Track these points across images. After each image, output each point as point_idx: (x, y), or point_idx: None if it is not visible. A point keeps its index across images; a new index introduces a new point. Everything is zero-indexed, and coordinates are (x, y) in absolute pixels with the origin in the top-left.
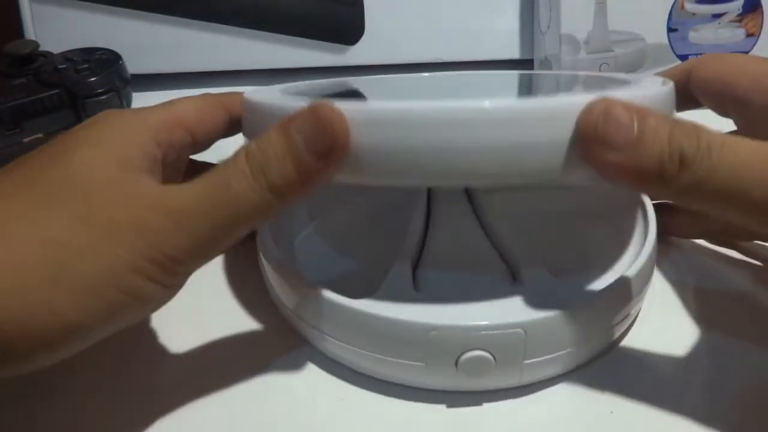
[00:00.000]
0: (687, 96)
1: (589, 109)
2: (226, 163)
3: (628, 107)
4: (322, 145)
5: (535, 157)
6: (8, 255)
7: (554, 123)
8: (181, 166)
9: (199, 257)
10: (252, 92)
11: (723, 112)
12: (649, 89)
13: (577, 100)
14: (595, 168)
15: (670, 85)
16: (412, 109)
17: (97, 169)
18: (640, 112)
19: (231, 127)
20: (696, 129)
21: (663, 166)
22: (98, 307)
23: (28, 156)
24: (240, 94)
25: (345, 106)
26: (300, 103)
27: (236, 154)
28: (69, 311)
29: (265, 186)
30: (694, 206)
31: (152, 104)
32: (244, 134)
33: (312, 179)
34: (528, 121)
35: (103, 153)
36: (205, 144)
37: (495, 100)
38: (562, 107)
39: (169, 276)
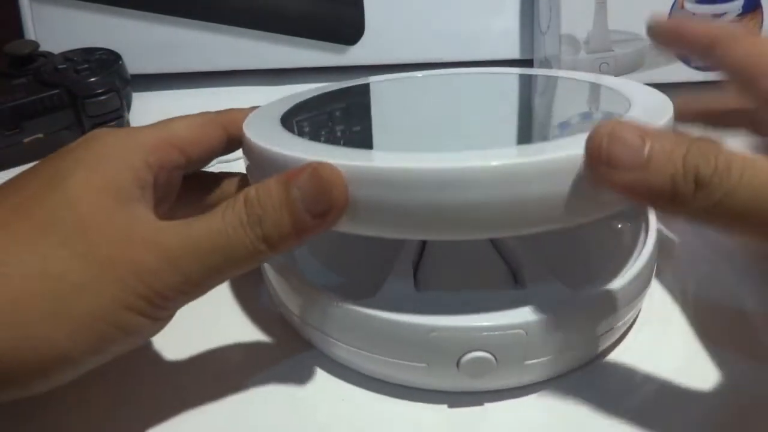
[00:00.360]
0: (702, 56)
1: (595, 133)
2: (225, 206)
3: (636, 128)
4: (321, 207)
5: (535, 210)
6: (8, 288)
7: (554, 177)
8: (174, 183)
9: (190, 295)
10: (252, 120)
11: (744, 94)
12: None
13: (577, 153)
14: (608, 188)
15: (669, 113)
16: (411, 169)
17: (93, 200)
18: (649, 133)
19: (229, 146)
20: (714, 148)
21: (677, 187)
22: (92, 341)
23: (23, 177)
24: (239, 111)
25: (345, 164)
26: (300, 154)
27: (236, 199)
28: (65, 344)
29: (260, 236)
30: (711, 226)
31: (152, 104)
32: (246, 168)
33: (306, 234)
34: (525, 179)
35: (98, 179)
36: (201, 163)
37: (493, 157)
38: (560, 162)
39: (158, 311)
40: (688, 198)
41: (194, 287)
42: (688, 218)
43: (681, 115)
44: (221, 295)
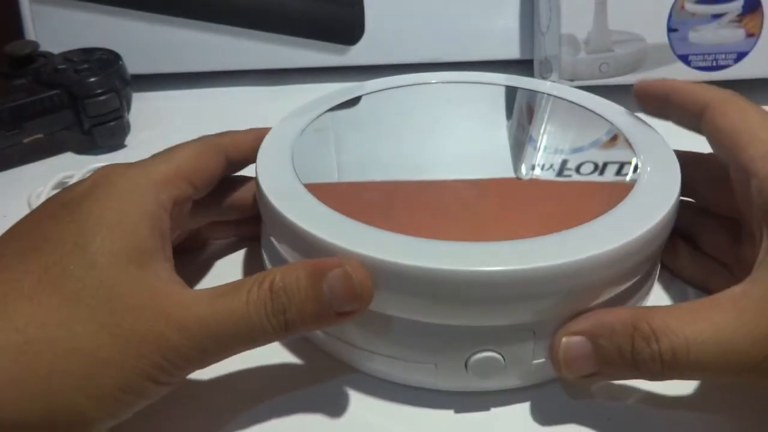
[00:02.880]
0: (692, 123)
1: (551, 348)
2: (249, 288)
3: (584, 340)
4: (348, 307)
5: (542, 306)
6: (41, 364)
7: (556, 281)
8: (185, 213)
9: (203, 366)
10: (265, 169)
11: (724, 161)
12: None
13: (572, 261)
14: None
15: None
16: (435, 270)
17: (117, 267)
18: (597, 341)
19: (229, 169)
20: (657, 332)
21: (635, 375)
22: (114, 408)
23: (41, 227)
24: (237, 133)
25: (375, 261)
26: (325, 237)
27: (261, 282)
28: (92, 413)
29: (282, 324)
30: None
31: (152, 104)
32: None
33: (327, 326)
34: (532, 281)
35: (119, 242)
36: (205, 189)
37: (498, 264)
38: (564, 269)
39: (173, 379)
40: (650, 378)
41: (209, 361)
42: None
43: (643, 100)
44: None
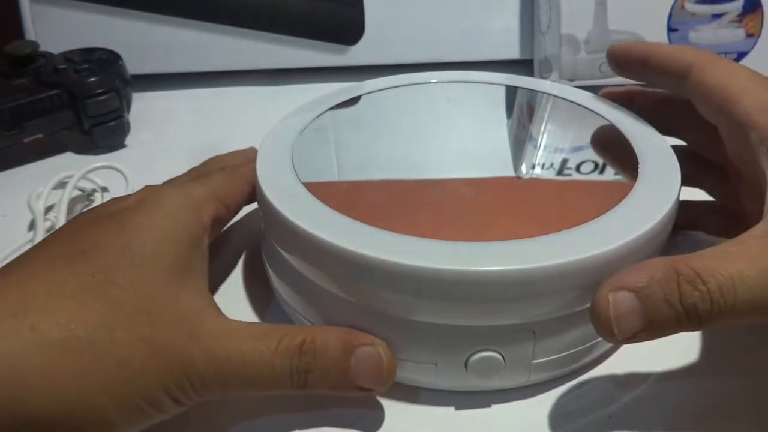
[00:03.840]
0: (673, 85)
1: (597, 306)
2: (281, 337)
3: (631, 289)
4: (369, 385)
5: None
6: (78, 363)
7: (567, 279)
8: (216, 234)
9: (219, 397)
10: (263, 162)
11: (713, 119)
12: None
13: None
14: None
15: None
16: (434, 270)
17: (161, 282)
18: (640, 291)
19: (252, 196)
20: (701, 272)
21: (681, 325)
22: (136, 416)
23: (92, 234)
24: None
25: (374, 261)
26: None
27: (293, 335)
28: (113, 418)
29: (303, 383)
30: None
31: (152, 104)
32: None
33: (343, 396)
34: (543, 280)
35: (165, 259)
36: (235, 212)
37: (498, 264)
38: (576, 266)
39: (188, 401)
40: (694, 327)
41: (225, 394)
42: None
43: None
44: (225, 294)
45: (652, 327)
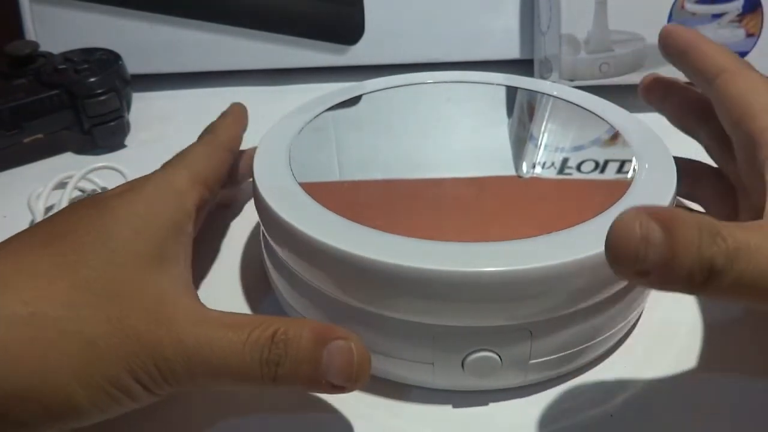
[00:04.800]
0: (701, 84)
1: (623, 226)
2: (252, 328)
3: (661, 222)
4: (340, 382)
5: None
6: (43, 341)
7: (563, 279)
8: (202, 216)
9: (187, 387)
10: (260, 162)
11: (728, 129)
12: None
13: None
14: (623, 279)
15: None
16: (432, 271)
17: (134, 266)
18: (670, 225)
19: (233, 172)
20: (721, 230)
21: (692, 278)
22: (103, 400)
23: (66, 221)
24: (226, 125)
25: (370, 262)
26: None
27: (265, 327)
28: (79, 398)
29: (272, 376)
30: (716, 300)
31: (152, 104)
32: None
33: (315, 391)
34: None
35: (142, 244)
36: (218, 192)
37: (496, 264)
38: (573, 266)
39: (158, 389)
40: (700, 286)
41: (196, 384)
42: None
43: (648, 94)
44: (225, 295)
45: (666, 270)
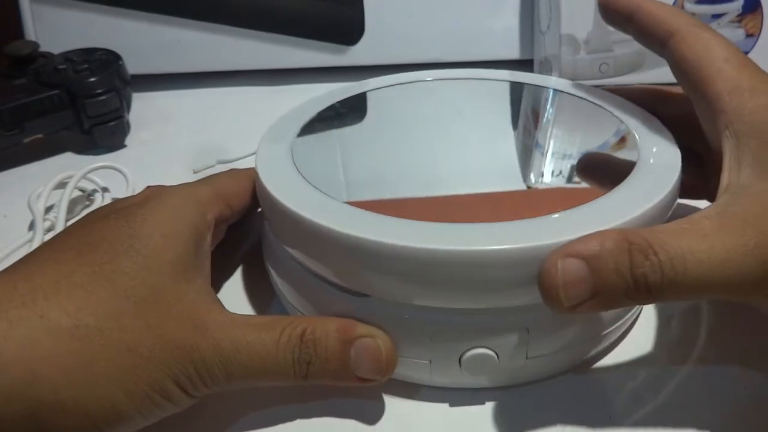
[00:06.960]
0: (654, 47)
1: (545, 272)
2: (283, 329)
3: (582, 257)
4: (368, 376)
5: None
6: (88, 351)
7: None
8: (220, 234)
9: (225, 389)
10: (262, 158)
11: (687, 92)
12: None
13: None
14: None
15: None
16: (433, 251)
17: (167, 274)
18: (590, 257)
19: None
20: (653, 243)
21: (631, 296)
22: (146, 406)
23: (94, 232)
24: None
25: (366, 243)
26: (318, 219)
27: (294, 326)
28: (123, 406)
29: (304, 374)
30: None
31: (152, 104)
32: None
33: (344, 385)
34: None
35: (171, 252)
36: (239, 214)
37: (493, 243)
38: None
39: (196, 392)
40: (645, 299)
41: (233, 385)
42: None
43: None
44: (226, 293)
45: (600, 296)
